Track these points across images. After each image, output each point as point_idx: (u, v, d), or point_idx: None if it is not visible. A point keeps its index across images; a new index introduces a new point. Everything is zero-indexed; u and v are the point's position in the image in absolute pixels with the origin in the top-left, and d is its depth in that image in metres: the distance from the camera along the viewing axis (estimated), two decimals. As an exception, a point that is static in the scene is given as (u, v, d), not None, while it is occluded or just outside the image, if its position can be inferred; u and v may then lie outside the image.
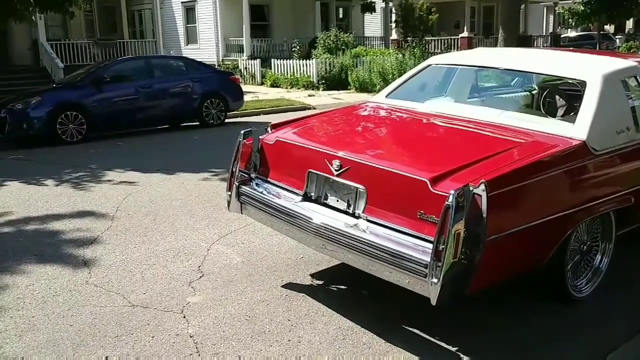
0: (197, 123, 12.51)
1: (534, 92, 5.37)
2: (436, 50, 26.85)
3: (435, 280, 3.08)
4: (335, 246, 3.65)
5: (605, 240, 4.16)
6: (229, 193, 4.39)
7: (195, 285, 4.33)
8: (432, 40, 28.17)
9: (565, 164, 3.61)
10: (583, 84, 4.15)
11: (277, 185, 4.21)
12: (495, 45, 27.73)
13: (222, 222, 5.61)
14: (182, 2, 26.42)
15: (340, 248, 3.62)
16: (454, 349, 3.50)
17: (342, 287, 4.30)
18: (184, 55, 23.18)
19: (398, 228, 3.43)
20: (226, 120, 12.84)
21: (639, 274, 4.51)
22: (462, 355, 3.44)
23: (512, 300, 4.07)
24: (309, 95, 18.30)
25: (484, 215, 3.14)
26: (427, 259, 3.14)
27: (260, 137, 4.42)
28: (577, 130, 3.82)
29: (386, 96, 5.02)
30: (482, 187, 3.13)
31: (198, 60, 14.00)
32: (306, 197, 3.99)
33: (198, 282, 4.39)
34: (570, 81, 4.49)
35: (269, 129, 4.50)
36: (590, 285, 4.11)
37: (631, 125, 4.12)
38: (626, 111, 4.16)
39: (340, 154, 3.75)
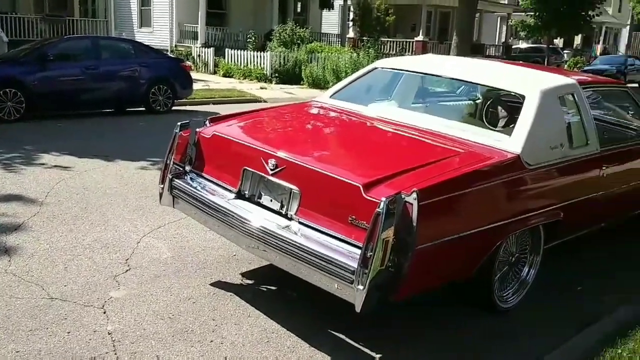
0: (144, 109, 12.19)
1: (477, 101, 5.42)
2: (391, 52, 27.07)
3: (360, 287, 3.05)
4: (266, 247, 3.57)
5: (533, 252, 4.23)
6: (162, 186, 4.26)
7: (120, 279, 4.18)
8: (388, 41, 28.38)
9: (498, 177, 3.64)
10: (522, 98, 4.21)
11: (211, 181, 4.10)
12: (449, 51, 28.20)
13: (156, 214, 5.46)
14: (137, -17, 25.74)
15: (271, 249, 3.55)
16: (377, 356, 3.48)
17: (272, 287, 4.23)
18: (136, 38, 22.63)
19: (329, 232, 3.38)
20: (174, 108, 12.56)
21: (567, 284, 4.60)
22: (385, 363, 3.43)
23: (439, 305, 4.09)
24: (261, 88, 18.12)
25: (414, 224, 3.12)
26: (355, 265, 3.10)
27: (198, 129, 4.30)
28: (513, 143, 3.86)
29: (331, 96, 4.97)
30: (414, 195, 3.12)
31: (150, 44, 13.65)
32: (240, 195, 3.90)
33: (124, 276, 4.24)
34: (510, 94, 4.54)
35: (207, 122, 4.38)
36: (517, 297, 4.17)
37: (565, 141, 4.19)
38: (561, 128, 4.23)
39: (276, 153, 3.68)
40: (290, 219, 3.59)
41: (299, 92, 17.69)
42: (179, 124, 4.22)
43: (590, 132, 4.48)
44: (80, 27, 20.89)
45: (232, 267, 4.49)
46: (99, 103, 11.64)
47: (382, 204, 3.02)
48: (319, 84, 18.94)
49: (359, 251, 3.15)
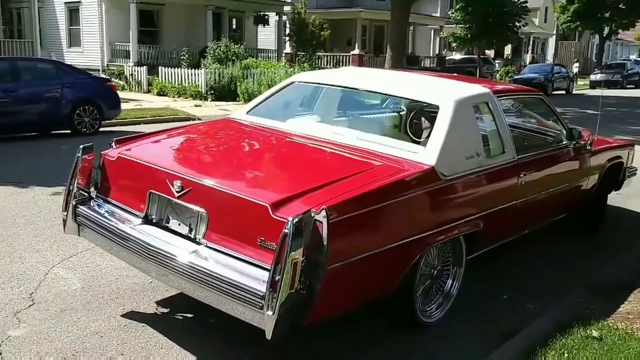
0: (69, 131, 11.72)
1: (396, 114, 5.38)
2: (327, 65, 27.19)
3: (270, 312, 2.89)
4: (175, 275, 3.37)
5: (456, 264, 4.17)
6: (65, 213, 3.99)
7: (21, 316, 3.88)
8: (324, 55, 28.52)
9: (412, 190, 3.56)
10: (436, 108, 4.17)
11: (117, 206, 3.87)
12: (384, 64, 28.57)
13: (68, 243, 5.15)
14: (65, 3, 24.99)
15: (180, 277, 3.35)
16: (296, 383, 3.33)
17: (188, 315, 4.02)
18: (65, 58, 21.95)
19: (238, 256, 3.22)
20: (102, 129, 12.13)
21: (489, 295, 4.56)
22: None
23: (360, 322, 3.96)
24: (196, 106, 17.81)
25: (325, 243, 3.00)
26: (264, 289, 2.95)
27: (103, 152, 4.07)
28: (427, 155, 3.80)
29: (247, 112, 4.82)
30: (323, 213, 2.99)
31: (80, 65, 13.18)
32: (147, 220, 3.69)
33: (26, 312, 3.94)
34: (425, 105, 4.51)
35: (113, 143, 4.15)
36: (441, 310, 4.09)
37: (481, 151, 4.17)
38: (477, 137, 4.21)
39: (181, 174, 3.49)
40: (199, 243, 3.40)
41: (235, 109, 17.29)
42: (81, 147, 3.98)
43: (506, 140, 4.48)
44: (6, 48, 20.04)
45: (147, 296, 4.25)
46: (21, 126, 11.11)
47: (289, 223, 2.89)
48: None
49: (267, 274, 3.00)
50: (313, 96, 5.18)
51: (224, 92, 19.80)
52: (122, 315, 3.94)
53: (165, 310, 4.06)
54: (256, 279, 3.06)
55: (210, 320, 3.92)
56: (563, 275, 5.07)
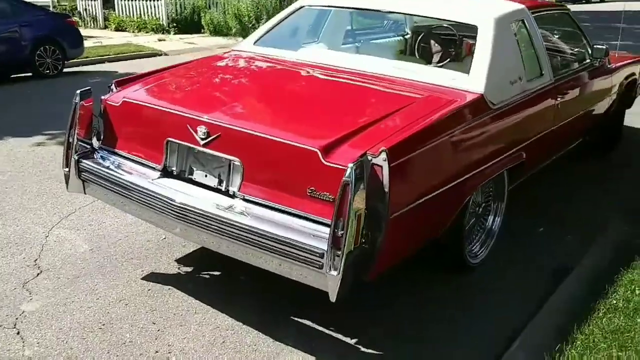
0: (31, 74, 10.88)
1: (429, 37, 4.92)
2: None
3: (334, 272, 2.55)
4: (205, 233, 2.99)
5: (497, 199, 3.88)
6: (67, 170, 3.52)
7: (31, 287, 3.46)
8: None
9: (466, 122, 3.20)
10: (474, 29, 3.75)
11: (128, 158, 3.41)
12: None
13: (63, 199, 4.68)
14: None
15: (212, 235, 2.96)
16: (352, 342, 3.04)
17: (215, 273, 3.66)
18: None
19: (283, 209, 2.84)
20: (65, 70, 11.30)
21: (526, 229, 4.32)
22: (362, 348, 2.99)
23: (402, 276, 3.67)
24: (159, 40, 16.84)
25: (386, 190, 2.64)
26: (323, 246, 2.59)
27: (103, 97, 3.56)
28: (473, 82, 3.42)
29: (254, 43, 4.32)
30: (383, 156, 2.62)
31: (27, 0, 12.11)
32: (166, 173, 3.25)
33: (35, 281, 3.52)
34: (460, 26, 4.08)
35: (113, 86, 3.64)
36: (485, 249, 3.83)
37: (523, 74, 3.81)
38: (518, 59, 3.83)
39: (206, 118, 3.04)
40: (234, 196, 3.00)
41: (201, 41, 16.61)
42: (78, 92, 3.45)
43: (543, 61, 4.13)
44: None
45: (165, 254, 3.86)
46: (-24, 72, 10.24)
47: (349, 171, 2.50)
48: (221, 30, 17.84)
49: (325, 229, 2.64)
50: (326, 22, 4.68)
51: (187, 24, 18.76)
52: (142, 279, 3.56)
53: (189, 269, 3.70)
54: (311, 235, 2.69)
55: (240, 277, 3.57)
56: (594, 203, 4.86)
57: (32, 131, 6.72)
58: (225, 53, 4.30)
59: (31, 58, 10.65)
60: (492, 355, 2.92)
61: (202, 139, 3.02)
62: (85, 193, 3.57)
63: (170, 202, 3.05)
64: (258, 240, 2.79)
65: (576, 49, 4.96)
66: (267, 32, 4.38)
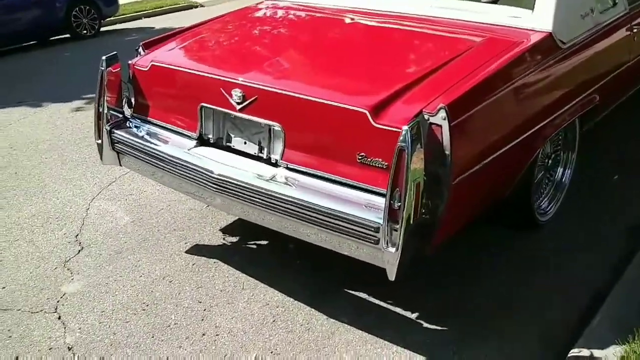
0: (68, 36, 10.76)
1: None
2: None
3: (392, 249, 2.27)
4: (248, 206, 2.74)
5: (567, 149, 3.49)
6: (99, 141, 3.31)
7: (72, 266, 3.33)
8: None
9: (534, 67, 2.80)
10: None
11: (161, 127, 3.17)
12: None
13: (102, 168, 4.51)
14: None
15: (255, 208, 2.72)
16: (413, 316, 2.79)
17: (263, 242, 3.44)
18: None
19: (331, 177, 2.55)
20: (102, 29, 11.16)
21: (597, 180, 3.92)
22: (425, 324, 2.74)
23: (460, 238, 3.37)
24: (196, -9, 16.44)
25: (447, 153, 2.32)
26: (378, 219, 2.31)
27: (130, 61, 3.30)
28: (540, 18, 2.99)
29: (284, -10, 3.95)
30: (442, 114, 2.29)
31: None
32: (202, 141, 3.00)
33: (76, 259, 3.38)
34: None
35: (140, 49, 3.37)
36: (555, 204, 3.48)
37: (594, 5, 3.34)
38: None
39: (241, 80, 2.75)
40: (276, 165, 2.73)
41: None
42: (103, 58, 3.20)
43: (618, -13, 3.63)
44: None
45: (209, 223, 3.66)
46: (16, 37, 10.14)
47: (404, 134, 2.19)
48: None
49: (380, 200, 2.36)
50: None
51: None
52: (186, 252, 3.38)
53: (234, 239, 3.49)
54: (363, 206, 2.41)
55: (289, 245, 3.34)
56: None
57: (71, 96, 6.58)
58: (259, 4, 3.95)
59: (67, 19, 10.52)
60: (570, 327, 2.63)
61: (238, 104, 2.74)
62: (120, 165, 3.37)
63: (209, 174, 2.81)
64: (304, 213, 2.53)
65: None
66: (304, -24, 3.99)
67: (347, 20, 3.43)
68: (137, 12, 13.18)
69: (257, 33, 3.56)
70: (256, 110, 2.72)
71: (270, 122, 2.70)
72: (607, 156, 4.20)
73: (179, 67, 3.06)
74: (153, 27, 11.20)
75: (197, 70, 2.95)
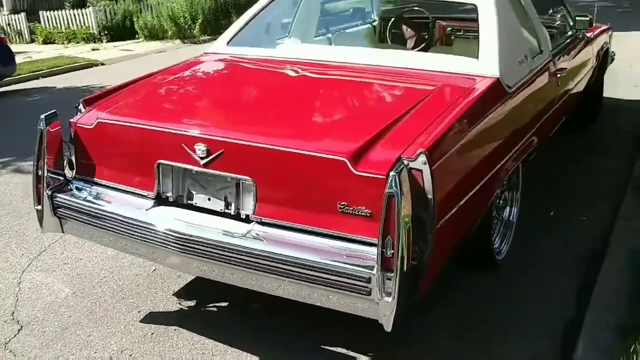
0: (-39, 98, 10.04)
1: (421, 20, 4.65)
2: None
3: (388, 298, 2.22)
4: (220, 266, 2.60)
5: (513, 188, 3.63)
6: (39, 207, 3.04)
7: (14, 347, 2.97)
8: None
9: (490, 110, 2.93)
10: (473, 7, 3.48)
11: (112, 188, 2.97)
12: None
13: (28, 236, 4.15)
14: None
15: (228, 267, 2.58)
16: (396, 367, 2.72)
17: (223, 304, 3.26)
18: None
19: (310, 229, 2.48)
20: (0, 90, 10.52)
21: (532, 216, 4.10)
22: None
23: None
24: (93, 50, 15.97)
25: (429, 197, 2.33)
26: (368, 270, 2.26)
27: (72, 120, 3.10)
28: (486, 66, 3.14)
29: (228, 44, 3.90)
30: (422, 158, 2.31)
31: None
32: (160, 200, 2.83)
33: (17, 340, 3.03)
34: (457, 5, 3.80)
35: (80, 106, 3.17)
36: (506, 243, 3.57)
37: (528, 52, 3.57)
38: (521, 36, 3.59)
39: (205, 134, 2.64)
40: (247, 220, 2.62)
41: (138, 47, 15.88)
42: (42, 116, 2.97)
43: (541, 36, 3.91)
44: None
45: (160, 288, 3.43)
46: None
47: (392, 180, 2.18)
48: (157, 34, 17.07)
49: (366, 249, 2.32)
50: (303, 12, 4.31)
51: (120, 31, 17.88)
52: (141, 321, 3.13)
53: (192, 303, 3.28)
54: (349, 257, 2.35)
55: (253, 304, 3.19)
56: (596, 179, 4.70)
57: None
58: (198, 58, 3.86)
59: (-40, 81, 9.84)
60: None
61: (202, 158, 2.62)
62: (63, 232, 3.11)
63: (173, 233, 2.64)
64: (284, 269, 2.43)
65: (560, 21, 4.77)
66: (240, 30, 3.97)
67: (293, 73, 3.42)
68: (33, 71, 12.54)
69: (208, 86, 3.48)
70: (222, 164, 2.61)
71: (239, 176, 2.60)
72: (539, 192, 4.40)
73: (131, 123, 2.90)
74: (54, 87, 10.69)
75: (153, 126, 2.80)
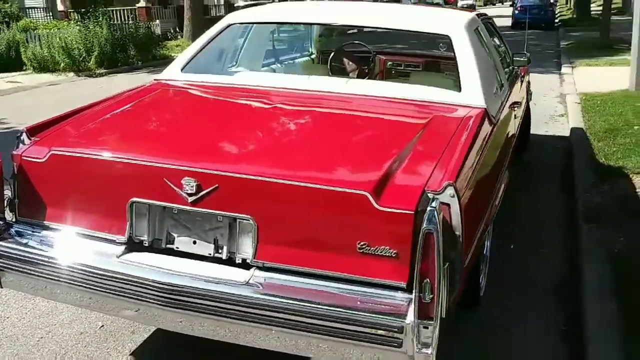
0: None
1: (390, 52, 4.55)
2: (117, 21, 24.50)
3: (427, 350, 1.97)
4: (214, 320, 2.23)
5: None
6: (-27, 258, 2.51)
7: None
8: (110, 10, 25.63)
9: (485, 140, 2.81)
10: (445, 39, 3.41)
11: (68, 232, 2.51)
12: (176, 15, 26.53)
13: None
14: None
15: (225, 322, 2.22)
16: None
17: (193, 361, 2.85)
18: None
19: (325, 274, 2.19)
20: None
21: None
22: None
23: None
24: (-25, 83, 14.66)
25: (458, 233, 2.13)
26: (400, 318, 2.01)
27: (15, 152, 2.61)
28: (471, 96, 3.04)
29: (182, 70, 3.55)
30: (450, 191, 2.12)
31: None
32: (133, 245, 2.42)
33: None
34: (431, 37, 3.71)
35: (23, 136, 2.68)
36: (483, 277, 3.45)
37: (497, 84, 3.54)
38: (491, 68, 3.55)
39: (195, 166, 2.29)
40: (244, 265, 2.28)
41: (26, 79, 14.71)
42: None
43: (500, 70, 3.92)
44: None
45: (113, 347, 2.95)
46: None
47: (429, 215, 1.97)
48: (47, 66, 15.98)
49: (394, 295, 2.09)
50: (262, 40, 4.06)
51: (5, 62, 16.60)
52: (97, 389, 2.65)
53: (155, 363, 2.85)
54: (375, 303, 2.09)
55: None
56: (542, 210, 4.76)
57: None
58: (150, 85, 3.46)
59: None
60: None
61: (190, 195, 2.26)
62: (1, 287, 2.58)
63: (155, 284, 2.25)
64: (296, 322, 2.11)
65: (505, 58, 4.86)
66: (194, 56, 3.64)
67: (269, 100, 3.15)
68: None
69: (181, 114, 3.09)
70: (216, 202, 2.27)
71: (235, 215, 2.27)
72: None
73: (96, 155, 2.47)
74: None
75: (128, 159, 2.40)
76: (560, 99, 9.21)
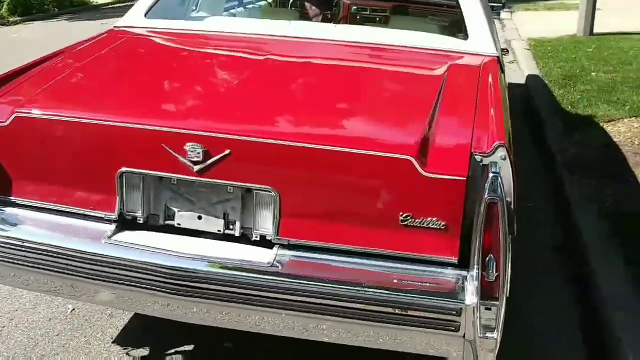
0: None
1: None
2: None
3: (491, 334, 1.75)
4: (237, 309, 1.93)
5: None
6: None
7: None
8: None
9: (504, 90, 2.57)
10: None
11: (46, 209, 2.10)
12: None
13: None
14: None
15: (248, 309, 1.92)
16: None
17: (187, 347, 2.53)
18: None
19: (361, 250, 1.91)
20: None
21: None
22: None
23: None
24: None
25: (510, 200, 1.89)
26: (457, 300, 1.77)
27: (-34, 115, 2.14)
28: (482, 43, 2.80)
29: (145, 15, 3.08)
30: (501, 152, 1.86)
31: None
32: (125, 223, 2.05)
33: None
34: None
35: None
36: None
37: (495, 33, 3.30)
38: (489, 10, 3.31)
39: (202, 129, 1.92)
40: (264, 243, 1.96)
41: None
42: None
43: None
44: None
45: (90, 335, 2.59)
46: None
47: (491, 182, 1.74)
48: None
49: (446, 272, 1.84)
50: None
51: None
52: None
53: (145, 352, 2.50)
54: (427, 283, 1.84)
55: (227, 344, 2.52)
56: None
57: None
58: (110, 33, 2.96)
59: None
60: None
61: (196, 163, 1.91)
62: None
63: (161, 268, 1.91)
64: (334, 307, 1.84)
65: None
66: (156, 2, 3.14)
67: (262, 50, 2.75)
68: None
69: (164, 67, 2.60)
70: (226, 171, 1.92)
71: (249, 185, 1.93)
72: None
73: (74, 117, 2.04)
74: None
75: (115, 121, 1.99)
76: (505, 45, 9.14)
